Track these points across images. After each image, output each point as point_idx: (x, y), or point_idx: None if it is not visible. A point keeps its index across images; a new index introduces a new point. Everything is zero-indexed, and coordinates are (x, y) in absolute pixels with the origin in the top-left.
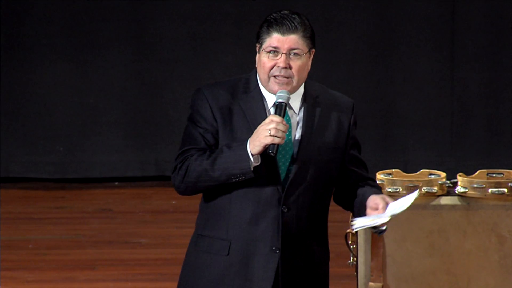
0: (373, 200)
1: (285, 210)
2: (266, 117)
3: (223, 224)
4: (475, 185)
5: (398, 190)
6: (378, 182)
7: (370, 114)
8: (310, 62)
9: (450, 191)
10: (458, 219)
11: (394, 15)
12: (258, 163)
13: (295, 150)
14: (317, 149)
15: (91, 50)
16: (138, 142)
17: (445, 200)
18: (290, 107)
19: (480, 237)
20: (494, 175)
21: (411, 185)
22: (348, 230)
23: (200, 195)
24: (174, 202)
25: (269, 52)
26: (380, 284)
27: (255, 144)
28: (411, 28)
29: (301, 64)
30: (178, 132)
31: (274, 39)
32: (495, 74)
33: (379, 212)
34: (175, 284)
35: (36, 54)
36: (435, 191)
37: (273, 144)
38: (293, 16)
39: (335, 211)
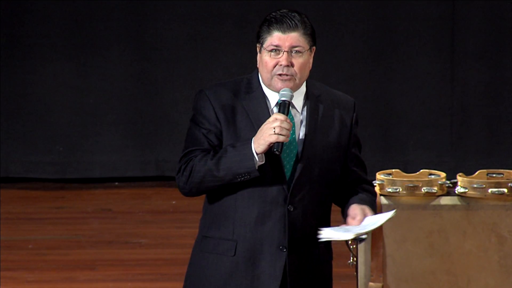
0: (353, 210)
1: (291, 209)
2: (269, 116)
3: (229, 225)
4: (475, 185)
5: (398, 190)
6: (378, 182)
7: (370, 114)
8: (311, 60)
9: (450, 191)
10: (458, 219)
11: (394, 15)
12: (263, 162)
13: (300, 148)
14: (321, 147)
15: (91, 50)
16: (138, 142)
17: (445, 200)
18: (293, 106)
19: (480, 237)
20: (494, 175)
21: (411, 185)
22: None
23: (202, 196)
24: (174, 202)
25: (271, 51)
26: (380, 284)
27: (260, 142)
28: (411, 28)
29: (303, 61)
30: (178, 132)
31: (275, 37)
32: (495, 74)
33: (356, 223)
34: (175, 284)
35: (36, 54)
36: (435, 191)
37: (278, 142)
38: (292, 14)
39: (334, 211)
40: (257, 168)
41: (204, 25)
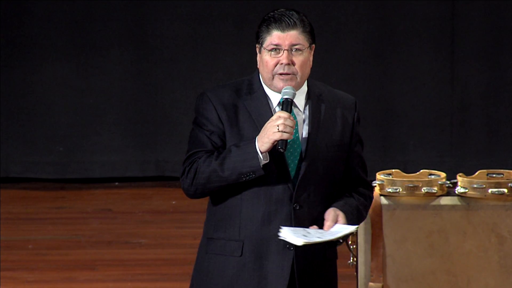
0: (328, 214)
1: (297, 208)
2: (272, 116)
3: (235, 225)
4: (475, 185)
5: (398, 190)
6: (378, 182)
7: (370, 114)
8: (311, 58)
9: (450, 191)
10: (458, 219)
11: (394, 15)
12: (267, 161)
13: (303, 147)
14: (324, 146)
15: (91, 50)
16: (138, 142)
17: (445, 201)
18: (295, 105)
19: (480, 237)
20: (494, 175)
21: (411, 185)
22: None
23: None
24: (174, 202)
25: (271, 50)
26: (380, 284)
27: (264, 141)
28: (411, 28)
29: (303, 59)
30: (178, 132)
31: (275, 36)
32: (495, 74)
33: (326, 228)
34: (175, 284)
35: (36, 54)
36: (435, 191)
37: (282, 140)
38: (290, 12)
39: None
40: (261, 166)
41: (204, 25)
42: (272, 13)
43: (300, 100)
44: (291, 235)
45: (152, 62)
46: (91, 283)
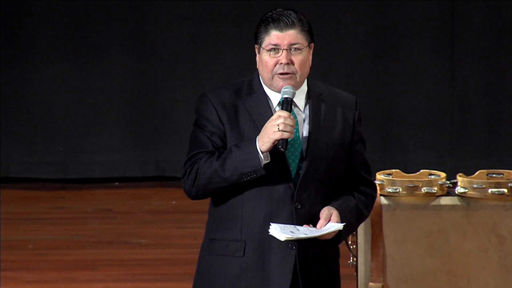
0: (322, 212)
1: (298, 207)
2: (272, 115)
3: (237, 225)
4: (475, 185)
5: (398, 190)
6: (378, 182)
7: (370, 114)
8: (310, 57)
9: (450, 191)
10: (458, 219)
11: (394, 15)
12: (268, 160)
13: (304, 146)
14: (325, 145)
15: (91, 50)
16: (138, 142)
17: (445, 201)
18: (295, 105)
19: (480, 237)
20: (494, 175)
21: (411, 185)
22: None
23: (208, 199)
24: (174, 202)
25: (270, 50)
26: (380, 284)
27: (264, 140)
28: (411, 28)
29: (302, 58)
30: (178, 132)
31: (273, 36)
32: (495, 74)
33: (320, 225)
34: (175, 284)
35: (36, 54)
36: (435, 191)
37: (283, 139)
38: (288, 12)
39: None
40: (262, 166)
41: (204, 25)
42: (270, 13)
43: (300, 99)
44: (277, 232)
45: (152, 62)
46: (91, 283)
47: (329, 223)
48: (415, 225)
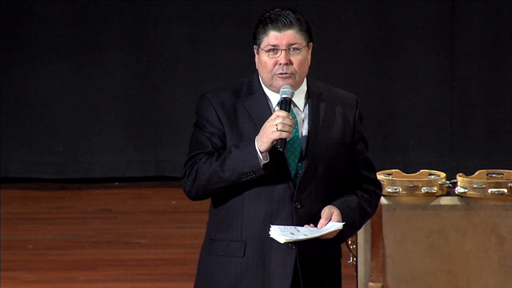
0: (323, 211)
1: (298, 207)
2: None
3: (237, 226)
4: (475, 185)
5: (398, 190)
6: None
7: (370, 114)
8: (309, 57)
9: (450, 191)
10: (458, 219)
11: (394, 15)
12: (267, 160)
13: (303, 146)
14: (325, 144)
15: (91, 50)
16: (138, 142)
17: (445, 200)
18: (295, 105)
19: (480, 237)
20: (494, 175)
21: (411, 185)
22: None
23: (209, 199)
24: (174, 202)
25: (269, 51)
26: (380, 284)
27: (263, 140)
28: (411, 28)
29: (301, 58)
30: (178, 132)
31: (272, 37)
32: (495, 74)
33: (321, 224)
34: (175, 284)
35: (36, 54)
36: (435, 191)
37: (281, 139)
38: (286, 12)
39: None
40: (262, 166)
41: (204, 26)
42: (268, 14)
43: (300, 99)
44: (278, 234)
45: (152, 62)
46: (91, 283)
47: (330, 223)
48: (415, 225)
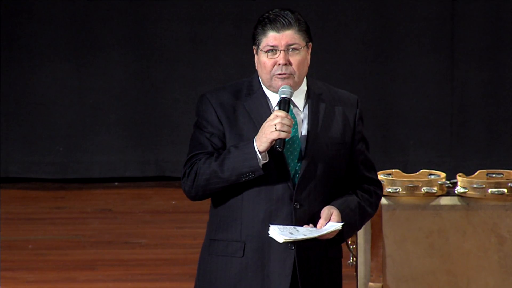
0: (322, 212)
1: (297, 207)
2: None
3: (236, 226)
4: (475, 185)
5: (398, 190)
6: None
7: (370, 114)
8: (309, 57)
9: (450, 191)
10: (458, 219)
11: (394, 15)
12: (267, 160)
13: (303, 146)
14: (325, 144)
15: (91, 50)
16: (138, 142)
17: (445, 201)
18: (295, 105)
19: (480, 237)
20: (494, 175)
21: (411, 185)
22: None
23: (209, 199)
24: (174, 202)
25: (267, 51)
26: (380, 284)
27: (262, 140)
28: (411, 28)
29: (300, 58)
30: (178, 132)
31: (271, 37)
32: (495, 74)
33: (320, 225)
34: (175, 284)
35: (36, 54)
36: (435, 191)
37: (280, 139)
38: (285, 12)
39: None
40: (261, 166)
41: (204, 26)
42: (267, 14)
43: (299, 99)
44: (277, 233)
45: (152, 62)
46: (91, 283)
47: (329, 223)
48: (415, 225)
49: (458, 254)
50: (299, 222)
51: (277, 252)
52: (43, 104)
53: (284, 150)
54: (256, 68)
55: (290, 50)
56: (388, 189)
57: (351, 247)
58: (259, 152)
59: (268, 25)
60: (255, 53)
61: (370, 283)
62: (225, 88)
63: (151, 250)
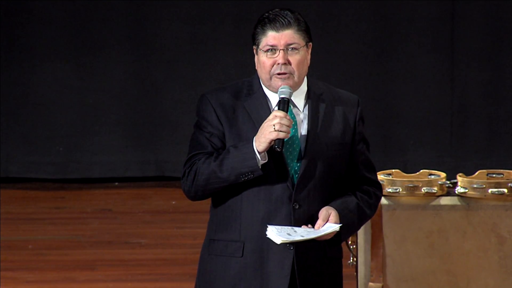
0: (320, 212)
1: (296, 207)
2: None
3: (236, 226)
4: (475, 185)
5: (398, 190)
6: None
7: (370, 114)
8: (309, 56)
9: (450, 191)
10: (458, 219)
11: (394, 15)
12: (266, 160)
13: (303, 146)
14: (324, 144)
15: (91, 50)
16: (138, 142)
17: (445, 201)
18: (294, 105)
19: (480, 238)
20: (494, 175)
21: (411, 185)
22: None
23: (209, 199)
24: (174, 202)
25: (267, 51)
26: (380, 284)
27: (261, 141)
28: (411, 28)
29: (300, 58)
30: (178, 132)
31: (270, 37)
32: (495, 74)
33: (318, 225)
34: (175, 284)
35: (36, 54)
36: (435, 191)
37: (279, 139)
38: (285, 12)
39: None
40: (260, 166)
41: (204, 26)
42: (266, 14)
43: (299, 99)
44: (274, 234)
45: (152, 62)
46: (91, 283)
47: (327, 224)
48: (415, 225)
49: (458, 254)
50: (298, 222)
51: (276, 253)
52: (43, 104)
53: (284, 150)
54: (256, 68)
55: (290, 49)
56: (388, 189)
57: (351, 247)
58: (258, 152)
59: (268, 24)
60: (255, 53)
61: (370, 283)
62: (225, 88)
63: (151, 250)
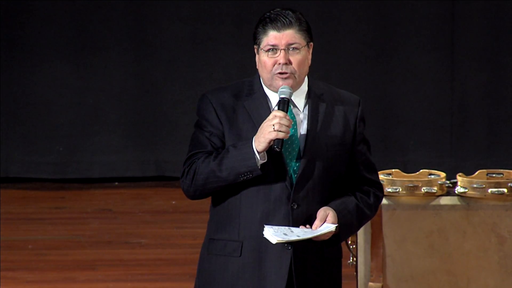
0: (318, 213)
1: (295, 207)
2: None
3: (234, 226)
4: (475, 185)
5: (398, 190)
6: None
7: (369, 114)
8: (310, 56)
9: (450, 191)
10: (458, 219)
11: (394, 15)
12: (265, 160)
13: (302, 146)
14: (324, 144)
15: (91, 50)
16: (138, 142)
17: (445, 200)
18: (294, 105)
19: (480, 237)
20: (494, 175)
21: (411, 185)
22: None
23: (208, 199)
24: (174, 202)
25: (268, 50)
26: (380, 284)
27: (260, 140)
28: (411, 28)
29: (301, 58)
30: (178, 132)
31: (271, 36)
32: (495, 74)
33: (315, 226)
34: (175, 284)
35: (36, 54)
36: (435, 191)
37: (278, 139)
38: (286, 12)
39: None
40: (259, 166)
41: (204, 26)
42: (268, 14)
43: (300, 99)
44: (271, 234)
45: (152, 62)
46: (91, 283)
47: (324, 224)
48: (415, 225)
49: (458, 254)
50: (296, 222)
51: (273, 253)
52: (43, 104)
53: (283, 150)
54: (257, 67)
55: (291, 49)
56: (388, 189)
57: (351, 247)
58: (258, 152)
59: (269, 24)
60: (256, 52)
61: (370, 283)
62: (226, 88)
63: (151, 250)
